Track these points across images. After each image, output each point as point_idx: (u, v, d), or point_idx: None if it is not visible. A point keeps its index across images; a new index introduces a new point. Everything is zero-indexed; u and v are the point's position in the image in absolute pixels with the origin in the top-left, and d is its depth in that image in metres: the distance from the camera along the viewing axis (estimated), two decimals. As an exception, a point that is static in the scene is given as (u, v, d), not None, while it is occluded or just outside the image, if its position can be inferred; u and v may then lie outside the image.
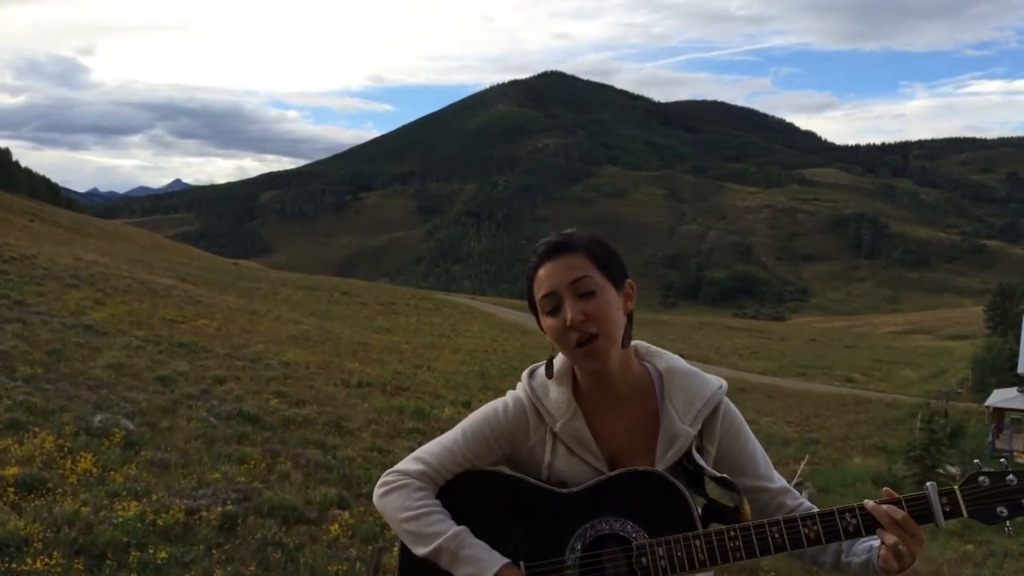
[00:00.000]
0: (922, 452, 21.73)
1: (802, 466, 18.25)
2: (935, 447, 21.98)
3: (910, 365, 56.68)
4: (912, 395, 40.24)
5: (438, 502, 1.67)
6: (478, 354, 29.60)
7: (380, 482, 1.72)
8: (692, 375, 1.72)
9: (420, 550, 1.62)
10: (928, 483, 1.55)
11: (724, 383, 1.73)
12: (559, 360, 1.73)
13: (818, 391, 38.85)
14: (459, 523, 1.63)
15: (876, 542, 1.55)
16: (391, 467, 1.75)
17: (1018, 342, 37.25)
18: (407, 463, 1.72)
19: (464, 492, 1.68)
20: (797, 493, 1.73)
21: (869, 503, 1.54)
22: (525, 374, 1.78)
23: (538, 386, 1.73)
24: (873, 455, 25.21)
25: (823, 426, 28.53)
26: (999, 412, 32.91)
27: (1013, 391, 33.85)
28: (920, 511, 1.52)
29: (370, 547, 5.63)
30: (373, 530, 6.67)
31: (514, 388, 1.78)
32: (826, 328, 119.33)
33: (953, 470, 24.11)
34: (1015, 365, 35.61)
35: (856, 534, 1.54)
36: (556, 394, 1.70)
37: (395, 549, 6.29)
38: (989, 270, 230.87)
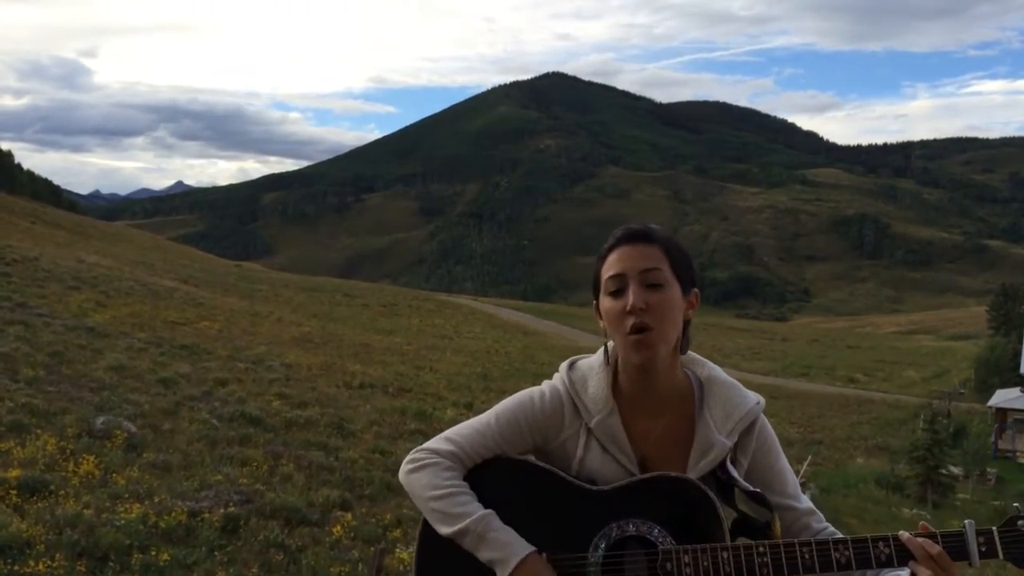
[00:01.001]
0: (925, 452, 21.73)
1: (805, 466, 18.25)
2: (938, 447, 21.98)
3: (913, 365, 56.66)
4: (915, 395, 40.22)
5: (466, 484, 1.64)
6: (480, 355, 29.61)
7: (408, 458, 1.69)
8: (732, 387, 1.71)
9: (445, 529, 1.60)
10: (967, 521, 1.52)
11: (762, 399, 1.72)
12: (600, 355, 1.72)
13: (821, 392, 38.84)
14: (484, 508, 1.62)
15: (904, 572, 1.52)
16: (417, 447, 1.72)
17: (1021, 342, 37.21)
18: (437, 442, 1.69)
19: (491, 478, 1.66)
20: (822, 517, 1.70)
21: (904, 535, 1.51)
22: (565, 365, 1.75)
23: (577, 379, 1.71)
24: (876, 455, 25.20)
25: (826, 426, 28.53)
26: (1002, 412, 32.90)
27: (1016, 391, 33.83)
28: (955, 548, 1.49)
29: (372, 548, 5.62)
30: (376, 532, 6.67)
31: (550, 379, 1.76)
32: (828, 329, 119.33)
33: (956, 470, 24.12)
34: (1018, 365, 35.57)
35: (888, 564, 1.51)
36: (595, 389, 1.68)
37: (397, 551, 6.28)
38: (991, 270, 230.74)
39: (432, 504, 1.62)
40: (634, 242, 1.63)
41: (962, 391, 43.98)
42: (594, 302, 1.68)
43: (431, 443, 1.70)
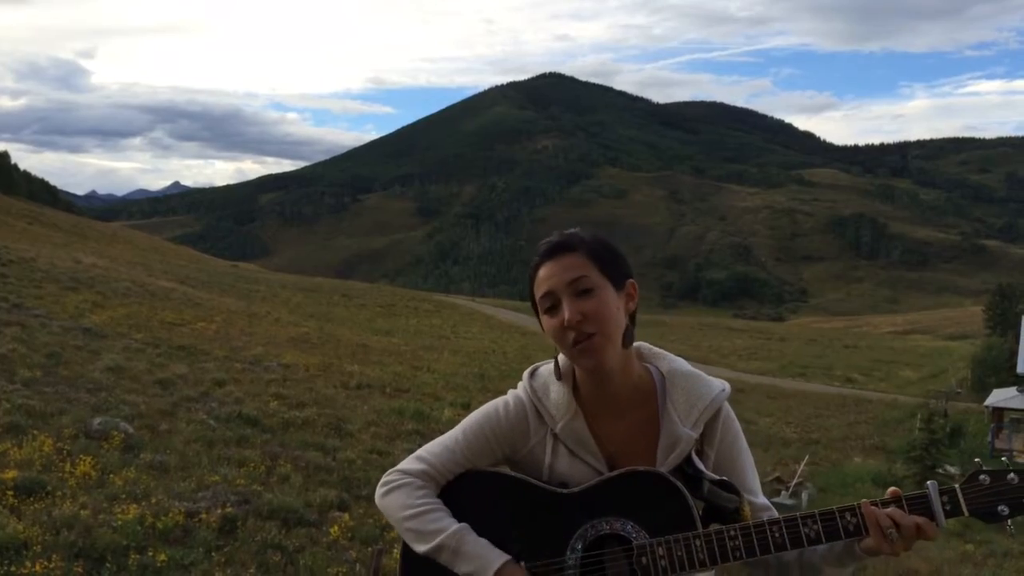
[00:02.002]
0: (922, 452, 21.72)
1: (802, 466, 18.24)
2: (935, 447, 21.98)
3: (910, 365, 56.71)
4: (912, 395, 40.25)
5: (439, 501, 1.67)
6: (478, 356, 29.59)
7: (382, 482, 1.72)
8: (695, 377, 1.71)
9: (421, 547, 1.62)
10: (929, 482, 1.54)
11: (727, 386, 1.72)
12: (563, 360, 1.72)
13: (818, 391, 38.86)
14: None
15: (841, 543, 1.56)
16: (392, 467, 1.75)
17: (1018, 342, 37.26)
18: (408, 463, 1.72)
19: (465, 492, 1.68)
20: (776, 513, 1.70)
21: (865, 505, 1.53)
22: (526, 374, 1.77)
23: (539, 386, 1.73)
24: (873, 455, 25.20)
25: (823, 426, 28.53)
26: (999, 412, 32.90)
27: (1013, 391, 33.84)
28: (921, 509, 1.51)
29: (370, 549, 5.62)
30: (373, 532, 6.67)
31: (515, 388, 1.78)
32: (826, 328, 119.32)
33: (953, 470, 24.12)
34: (1015, 365, 35.63)
35: (856, 533, 1.53)
36: (557, 395, 1.70)
37: (395, 552, 6.27)
38: (988, 270, 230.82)
39: (407, 524, 1.64)
40: (555, 255, 1.64)
41: (959, 391, 43.99)
42: (537, 319, 1.68)
43: (402, 464, 1.73)
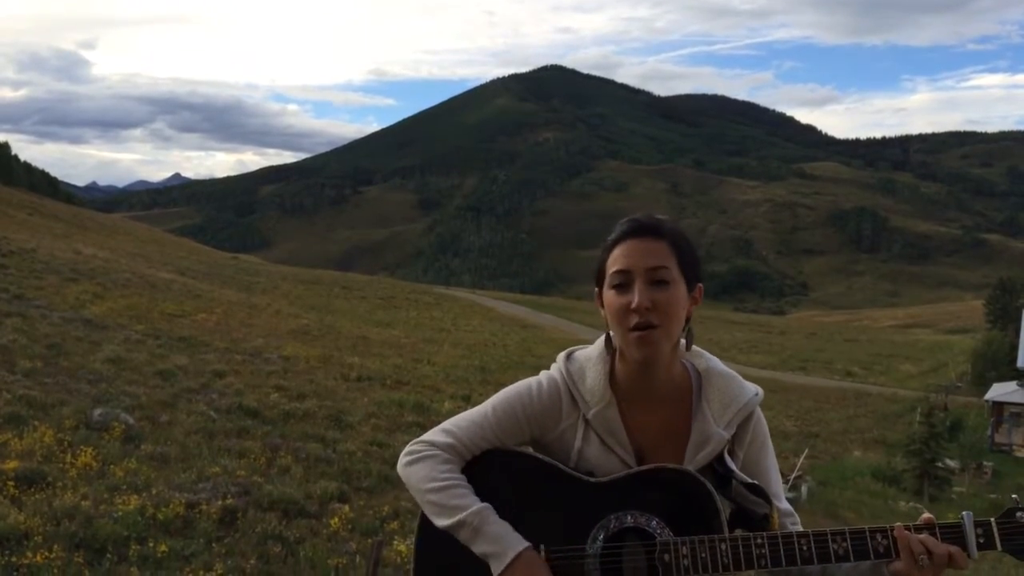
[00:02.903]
0: (922, 446, 21.75)
1: (802, 460, 18.27)
2: (935, 441, 22.00)
3: (910, 359, 56.74)
4: (912, 389, 40.28)
5: (464, 477, 1.64)
6: (478, 348, 29.59)
7: (406, 451, 1.69)
8: (731, 378, 1.70)
9: (441, 522, 1.60)
10: (964, 513, 1.52)
11: (761, 391, 1.71)
12: (598, 347, 1.71)
13: (818, 385, 38.88)
14: (482, 501, 1.61)
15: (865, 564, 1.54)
16: (415, 439, 1.71)
17: (1018, 336, 37.24)
18: (435, 434, 1.69)
19: (489, 470, 1.66)
20: (798, 520, 1.70)
21: (899, 529, 1.51)
22: (562, 356, 1.75)
23: (575, 370, 1.70)
24: (873, 449, 25.24)
25: (823, 420, 28.56)
26: (999, 406, 32.94)
27: (1013, 385, 33.87)
28: (953, 538, 1.49)
29: (370, 540, 5.63)
30: (373, 524, 6.68)
31: (547, 370, 1.75)
32: (826, 322, 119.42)
33: (952, 464, 24.18)
34: (1015, 359, 35.62)
35: (886, 555, 1.51)
36: (592, 380, 1.68)
37: (395, 543, 6.29)
38: (989, 264, 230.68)
39: (429, 496, 1.62)
40: (642, 236, 1.61)
41: (959, 385, 44.04)
42: (596, 290, 1.66)
43: (428, 435, 1.69)
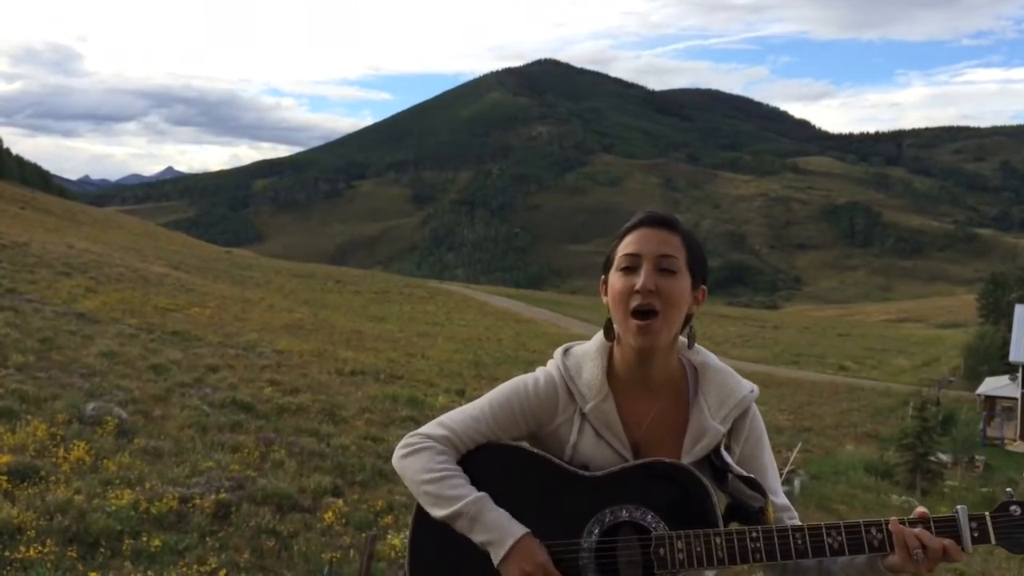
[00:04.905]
0: (914, 440, 21.85)
1: (794, 454, 18.33)
2: (927, 435, 22.11)
3: (902, 353, 56.93)
4: (904, 383, 40.43)
5: (460, 468, 1.64)
6: (472, 342, 29.61)
7: (402, 443, 1.70)
8: (727, 373, 1.71)
9: (438, 512, 1.60)
10: (959, 507, 1.53)
11: (756, 388, 1.73)
12: (596, 342, 1.72)
13: (811, 379, 39.01)
14: None
15: (861, 559, 1.55)
16: (412, 432, 1.72)
17: (1010, 331, 37.38)
18: (431, 427, 1.69)
19: (485, 464, 1.66)
20: (796, 515, 1.71)
21: (894, 523, 1.52)
22: (559, 351, 1.76)
23: (572, 365, 1.71)
24: (865, 443, 25.33)
25: (816, 414, 28.66)
26: (990, 400, 33.12)
27: (1005, 379, 34.04)
28: (948, 532, 1.50)
29: (364, 535, 5.63)
30: (367, 518, 6.68)
31: (542, 365, 1.76)
32: (819, 317, 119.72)
33: (945, 458, 24.28)
34: (1007, 354, 35.75)
35: (880, 549, 1.52)
36: (589, 374, 1.69)
37: (389, 537, 6.29)
38: (982, 259, 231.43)
39: (425, 487, 1.62)
40: (657, 226, 1.64)
41: (951, 379, 44.26)
42: (603, 277, 1.68)
43: (425, 428, 1.70)
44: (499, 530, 1.55)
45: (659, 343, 1.61)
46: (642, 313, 1.58)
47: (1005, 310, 51.49)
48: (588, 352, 1.72)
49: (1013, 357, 33.95)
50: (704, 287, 1.68)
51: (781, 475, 16.19)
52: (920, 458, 21.74)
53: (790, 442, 20.72)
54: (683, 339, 1.73)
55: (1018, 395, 31.92)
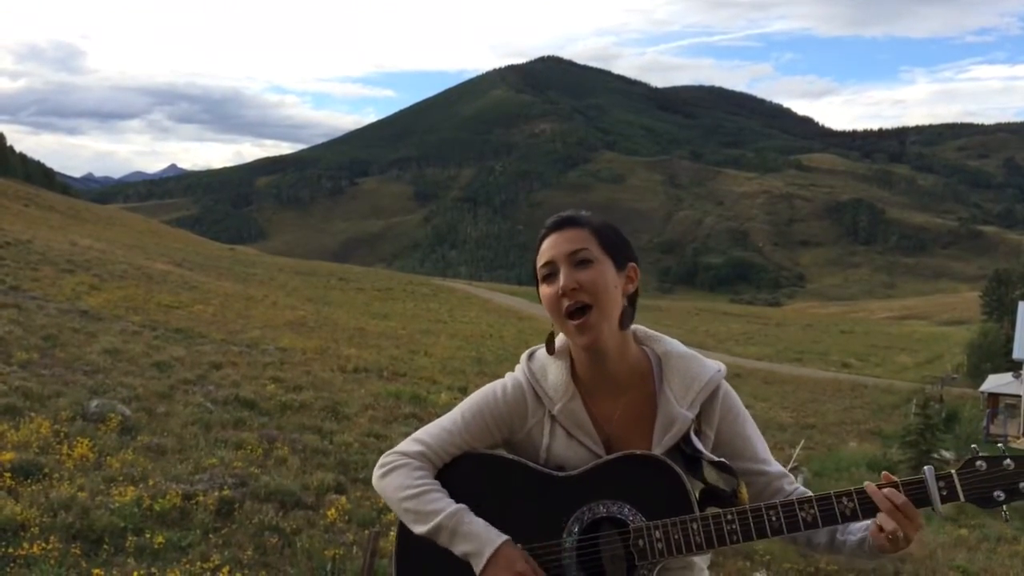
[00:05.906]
0: (917, 437, 21.79)
1: (797, 451, 18.30)
2: (930, 432, 22.03)
3: (906, 351, 56.81)
4: (907, 380, 40.33)
5: (437, 482, 1.67)
6: (475, 340, 29.61)
7: (379, 463, 1.72)
8: (690, 358, 1.72)
9: (419, 528, 1.62)
10: (925, 467, 1.55)
11: (723, 366, 1.73)
12: (560, 340, 1.73)
13: (814, 377, 38.94)
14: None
15: (870, 521, 1.56)
16: (388, 450, 1.75)
17: (1014, 327, 37.34)
18: (406, 444, 1.72)
19: (462, 474, 1.68)
20: (794, 479, 1.74)
21: (868, 486, 1.54)
22: (524, 356, 1.78)
23: (537, 368, 1.74)
24: (868, 440, 25.29)
25: (819, 411, 28.62)
26: (994, 397, 33.04)
27: (1008, 376, 33.97)
28: (917, 495, 1.52)
29: (367, 531, 5.63)
30: (370, 515, 6.68)
31: (512, 371, 1.78)
32: (822, 314, 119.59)
33: (948, 455, 24.23)
34: (1010, 351, 35.71)
35: (853, 518, 1.55)
36: (555, 376, 1.71)
37: (392, 533, 6.31)
38: (985, 256, 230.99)
39: (404, 504, 1.64)
40: (560, 228, 1.68)
41: (955, 376, 44.14)
42: (537, 292, 1.71)
43: (400, 446, 1.73)
44: (478, 540, 1.57)
45: (602, 336, 1.62)
46: (575, 312, 1.60)
47: (1009, 307, 51.39)
48: (552, 355, 1.74)
49: (1016, 354, 33.89)
50: (633, 264, 1.69)
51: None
52: (923, 455, 21.65)
53: (793, 439, 20.69)
54: (644, 329, 1.75)
55: (1021, 392, 31.85)
